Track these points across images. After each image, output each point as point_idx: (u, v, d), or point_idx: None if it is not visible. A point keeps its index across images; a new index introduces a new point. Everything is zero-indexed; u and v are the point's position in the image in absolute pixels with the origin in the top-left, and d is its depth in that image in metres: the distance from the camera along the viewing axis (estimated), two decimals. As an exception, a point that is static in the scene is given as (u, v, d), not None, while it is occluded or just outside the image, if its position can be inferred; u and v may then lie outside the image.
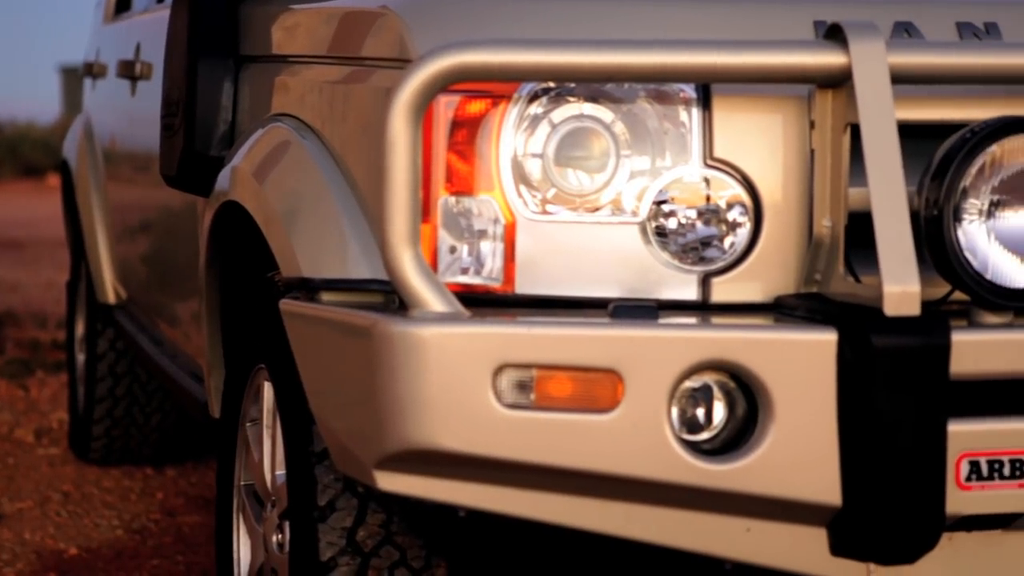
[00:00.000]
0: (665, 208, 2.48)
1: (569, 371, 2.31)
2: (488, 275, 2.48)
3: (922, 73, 2.42)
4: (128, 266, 4.62)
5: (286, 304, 2.61)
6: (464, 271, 2.48)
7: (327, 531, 2.57)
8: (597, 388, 2.31)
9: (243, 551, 3.03)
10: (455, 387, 2.29)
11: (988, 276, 2.34)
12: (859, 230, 2.40)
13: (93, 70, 5.20)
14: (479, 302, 2.43)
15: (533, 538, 2.57)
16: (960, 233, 2.34)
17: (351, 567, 2.57)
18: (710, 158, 2.48)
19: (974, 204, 2.35)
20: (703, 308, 2.48)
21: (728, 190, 2.49)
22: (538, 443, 2.32)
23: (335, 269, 2.56)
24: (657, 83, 2.45)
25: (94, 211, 4.90)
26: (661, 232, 2.48)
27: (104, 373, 4.86)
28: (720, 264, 2.49)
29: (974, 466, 2.32)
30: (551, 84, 2.45)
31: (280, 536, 2.81)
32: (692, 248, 2.49)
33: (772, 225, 2.49)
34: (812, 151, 2.47)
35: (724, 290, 2.48)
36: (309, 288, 2.56)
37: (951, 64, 2.42)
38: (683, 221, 2.49)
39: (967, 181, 2.34)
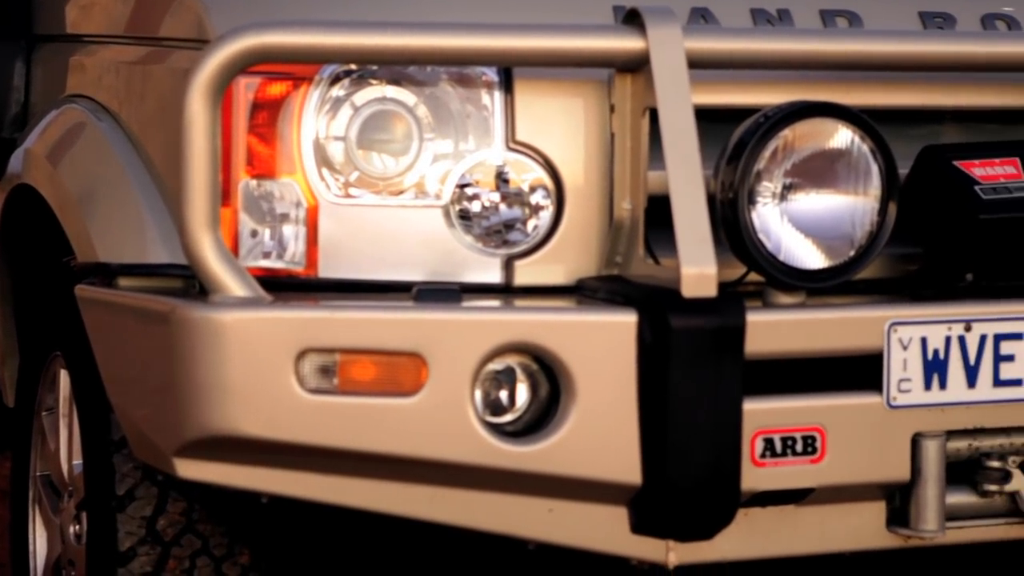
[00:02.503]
0: (468, 191, 2.53)
1: (372, 355, 2.34)
2: (291, 259, 2.50)
3: (718, 58, 2.49)
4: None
5: (82, 290, 2.59)
6: (266, 255, 2.49)
7: (126, 521, 2.56)
8: (401, 372, 2.34)
9: (39, 543, 3.00)
10: (256, 372, 2.30)
11: (781, 257, 2.43)
12: (658, 213, 2.47)
13: None
14: (282, 286, 2.44)
15: (338, 523, 2.60)
16: (754, 216, 2.43)
17: (151, 557, 2.57)
18: (512, 141, 2.53)
19: (768, 187, 2.44)
20: (506, 291, 2.52)
21: (530, 173, 2.54)
22: (342, 428, 2.34)
23: (133, 254, 2.55)
24: (459, 66, 2.49)
25: None
26: (464, 215, 2.53)
27: None
28: (523, 247, 2.54)
29: (768, 443, 2.41)
30: (353, 66, 2.47)
31: (78, 527, 2.79)
32: (495, 231, 2.54)
33: (574, 208, 2.55)
34: (612, 135, 2.54)
35: (527, 273, 2.54)
36: (106, 273, 2.55)
37: (745, 50, 2.50)
38: (486, 204, 2.54)
39: (761, 165, 2.42)
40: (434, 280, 2.50)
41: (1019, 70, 2.66)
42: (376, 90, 2.49)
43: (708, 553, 2.46)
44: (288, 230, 2.49)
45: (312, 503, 2.41)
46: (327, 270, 2.49)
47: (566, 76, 2.54)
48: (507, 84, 2.52)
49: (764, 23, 2.63)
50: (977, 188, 2.54)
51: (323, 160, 2.48)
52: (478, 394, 2.37)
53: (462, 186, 2.52)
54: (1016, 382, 2.50)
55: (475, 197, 2.53)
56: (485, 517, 2.44)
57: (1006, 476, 2.52)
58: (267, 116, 2.46)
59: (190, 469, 2.39)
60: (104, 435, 2.63)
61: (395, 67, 2.48)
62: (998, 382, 2.50)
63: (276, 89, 2.46)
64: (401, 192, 2.51)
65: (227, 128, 2.44)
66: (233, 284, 2.33)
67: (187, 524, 2.59)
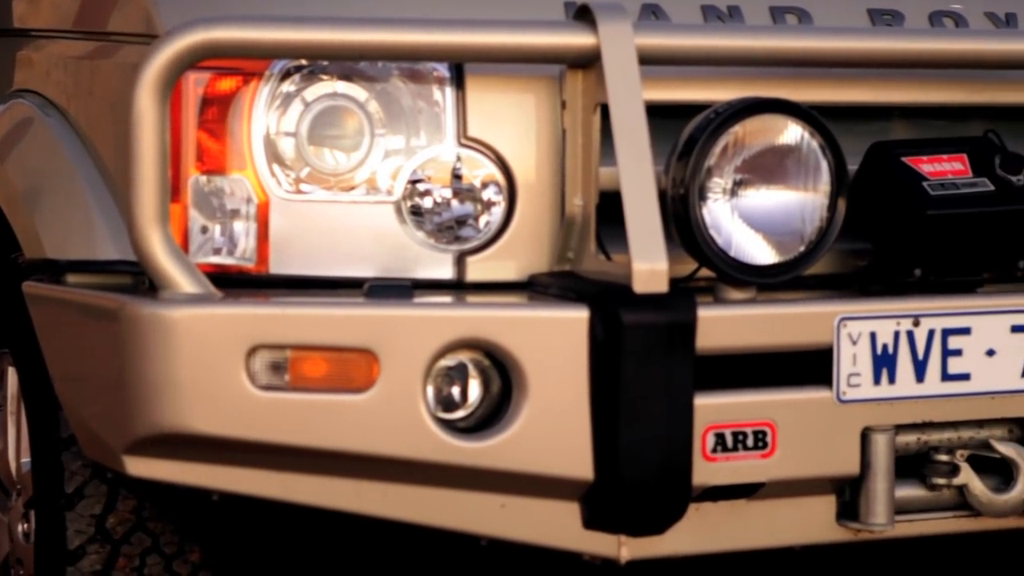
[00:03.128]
0: (420, 187, 2.52)
1: (324, 351, 2.32)
2: (241, 255, 2.48)
3: (668, 54, 2.49)
4: None
5: (30, 287, 2.57)
6: (216, 251, 2.47)
7: (75, 519, 2.54)
8: (352, 368, 2.33)
9: (-12, 542, 2.97)
10: (207, 369, 2.28)
11: (732, 253, 2.43)
12: (610, 209, 2.47)
13: None
14: (232, 283, 2.42)
15: (290, 520, 2.59)
16: (705, 212, 2.43)
17: (101, 555, 2.55)
18: (464, 137, 2.52)
19: (718, 183, 2.44)
20: (458, 287, 2.52)
21: (482, 169, 2.54)
22: (293, 424, 2.32)
23: (81, 250, 2.53)
24: (410, 62, 2.48)
25: None
26: (416, 211, 2.52)
27: None
28: (475, 243, 2.53)
29: (719, 438, 2.41)
30: (303, 62, 2.46)
31: (26, 526, 2.77)
32: (447, 227, 2.53)
33: (525, 204, 2.54)
34: (564, 131, 2.53)
35: (479, 269, 2.53)
36: (54, 270, 2.52)
37: (696, 46, 2.50)
38: (438, 200, 2.53)
39: (711, 161, 2.43)
40: (386, 276, 2.49)
41: (966, 66, 2.67)
42: (327, 86, 2.47)
43: (660, 548, 2.47)
44: (238, 226, 2.47)
45: (263, 500, 2.40)
46: (278, 266, 2.48)
47: (518, 72, 2.53)
48: (459, 80, 2.51)
49: (715, 20, 2.63)
50: (925, 184, 2.55)
51: (274, 156, 2.47)
52: (430, 390, 2.36)
53: (414, 182, 2.51)
54: (963, 376, 2.52)
55: (427, 193, 2.52)
56: (437, 513, 2.43)
57: (954, 470, 2.53)
58: (217, 112, 2.45)
59: (140, 467, 2.37)
60: (53, 433, 2.60)
61: (346, 63, 2.47)
62: (946, 376, 2.51)
63: (226, 85, 2.45)
64: (352, 188, 2.50)
65: (176, 124, 2.43)
66: (183, 281, 2.31)
67: (137, 522, 2.57)
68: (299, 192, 2.48)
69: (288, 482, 2.39)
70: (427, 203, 2.52)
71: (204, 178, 2.46)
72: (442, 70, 2.51)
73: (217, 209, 2.47)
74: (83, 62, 2.73)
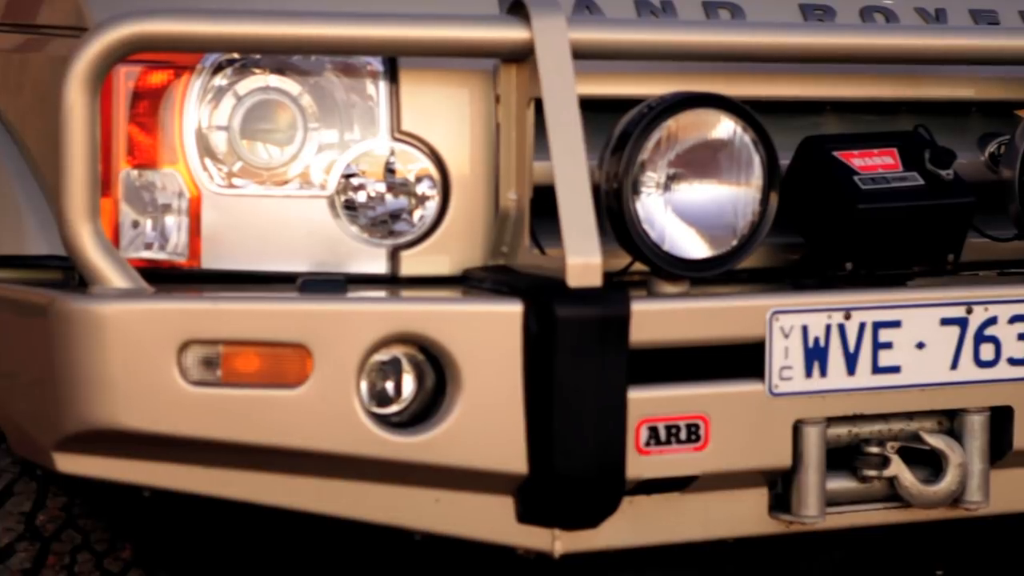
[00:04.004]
0: (354, 182, 2.49)
1: (256, 346, 2.30)
2: (173, 250, 2.45)
3: (602, 49, 2.48)
4: None
5: (-42, 282, 2.53)
6: (148, 246, 2.44)
7: (4, 517, 2.50)
8: (285, 363, 2.30)
9: (-83, 540, 2.92)
10: (138, 365, 2.25)
11: (665, 247, 2.42)
12: (544, 203, 2.45)
13: None
14: (164, 278, 2.39)
15: (222, 516, 2.56)
16: (639, 206, 2.42)
17: (30, 553, 2.51)
18: (398, 131, 2.50)
19: (652, 177, 2.43)
20: (392, 282, 2.50)
21: (416, 163, 2.51)
22: (226, 420, 2.30)
23: (10, 245, 2.49)
24: (343, 55, 2.46)
25: None
26: (350, 206, 2.50)
27: None
28: (409, 237, 2.51)
29: (653, 432, 2.40)
30: (236, 55, 2.43)
31: (-44, 523, 2.72)
32: (381, 222, 2.51)
33: (460, 198, 2.53)
34: (498, 125, 2.52)
35: (413, 263, 2.51)
36: (-17, 265, 2.49)
37: (629, 40, 2.49)
38: (372, 195, 2.50)
39: (645, 155, 2.41)
40: (319, 271, 2.46)
41: (896, 62, 2.68)
42: (259, 79, 2.45)
43: (594, 541, 2.46)
44: (170, 221, 2.44)
45: (196, 496, 2.37)
46: (210, 261, 2.45)
47: (452, 66, 2.51)
48: (392, 74, 2.49)
49: (648, 15, 2.62)
50: (856, 179, 2.56)
51: (206, 150, 2.44)
52: (364, 385, 2.34)
53: (347, 176, 2.49)
54: (894, 369, 2.52)
55: (360, 187, 2.50)
56: (371, 508, 2.41)
57: (884, 462, 2.54)
58: (148, 105, 2.41)
59: (70, 463, 2.33)
60: (-18, 429, 2.56)
61: (279, 56, 2.44)
62: (877, 369, 2.51)
63: (157, 78, 2.41)
64: (285, 182, 2.47)
65: (107, 118, 2.39)
66: (114, 276, 2.28)
67: (67, 519, 2.53)
68: (231, 186, 2.45)
69: (220, 478, 2.36)
70: (361, 197, 2.50)
71: (135, 172, 2.43)
72: (375, 64, 2.48)
73: (148, 204, 2.44)
74: (12, 55, 2.68)
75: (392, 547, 2.65)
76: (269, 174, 2.46)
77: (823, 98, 2.72)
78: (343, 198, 2.49)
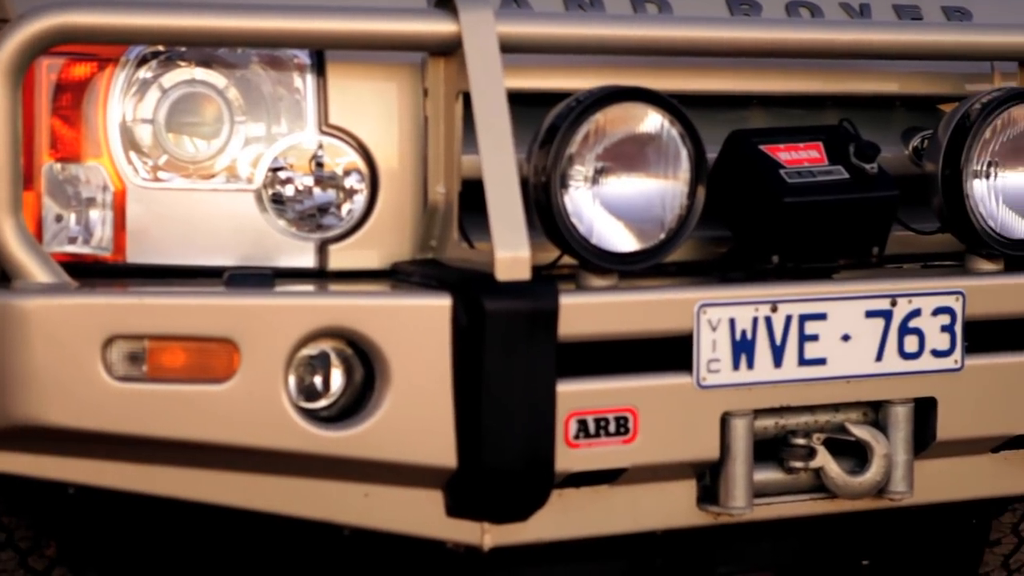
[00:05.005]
0: (281, 175, 2.46)
1: (182, 341, 2.26)
2: (98, 244, 2.41)
3: (530, 42, 2.46)
4: None
5: None
6: (72, 240, 2.40)
7: (-73, 515, 2.45)
8: (212, 358, 2.27)
9: None
10: (62, 360, 2.20)
11: (593, 240, 2.40)
12: (473, 197, 2.43)
13: None
14: (88, 272, 2.35)
15: (150, 513, 2.52)
16: (567, 199, 2.40)
17: (-48, 551, 2.46)
18: (326, 125, 2.47)
19: (580, 171, 2.41)
20: (320, 276, 2.46)
21: (344, 157, 2.48)
22: (152, 416, 2.26)
23: (-69, 239, 2.43)
24: (270, 48, 2.42)
25: None
26: (277, 199, 2.46)
27: None
28: (337, 231, 2.48)
29: (582, 425, 2.38)
30: (161, 48, 2.39)
31: None
32: (309, 215, 2.48)
33: (388, 192, 2.50)
34: (426, 118, 2.49)
35: (341, 257, 2.48)
36: (-96, 260, 2.42)
37: (557, 34, 2.47)
38: (299, 188, 2.47)
39: (573, 149, 2.39)
40: (247, 265, 2.43)
41: (822, 56, 2.67)
42: (185, 72, 2.40)
43: (523, 534, 2.44)
44: (94, 215, 2.39)
45: (122, 493, 2.33)
46: (136, 255, 2.40)
47: (379, 59, 2.48)
48: (319, 67, 2.45)
49: (576, 8, 2.60)
50: (782, 172, 2.55)
51: (130, 143, 2.39)
52: (292, 380, 2.31)
53: (275, 170, 2.45)
54: (820, 361, 2.52)
55: (288, 181, 2.46)
56: (300, 503, 2.38)
57: (811, 453, 2.54)
58: (71, 98, 2.36)
59: (-7, 460, 2.28)
60: (-96, 426, 2.49)
61: (204, 49, 2.39)
62: (803, 361, 2.51)
63: (80, 70, 2.36)
64: (212, 176, 2.43)
65: (29, 110, 2.34)
66: (37, 270, 2.23)
67: (-10, 517, 2.48)
68: (157, 180, 2.41)
69: (147, 474, 2.32)
70: (288, 191, 2.46)
71: (58, 166, 2.38)
72: (302, 57, 2.45)
73: (72, 197, 2.39)
74: (-66, 47, 2.61)
75: (323, 543, 2.62)
76: (195, 168, 2.42)
77: (750, 92, 2.71)
78: (270, 192, 2.45)
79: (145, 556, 2.68)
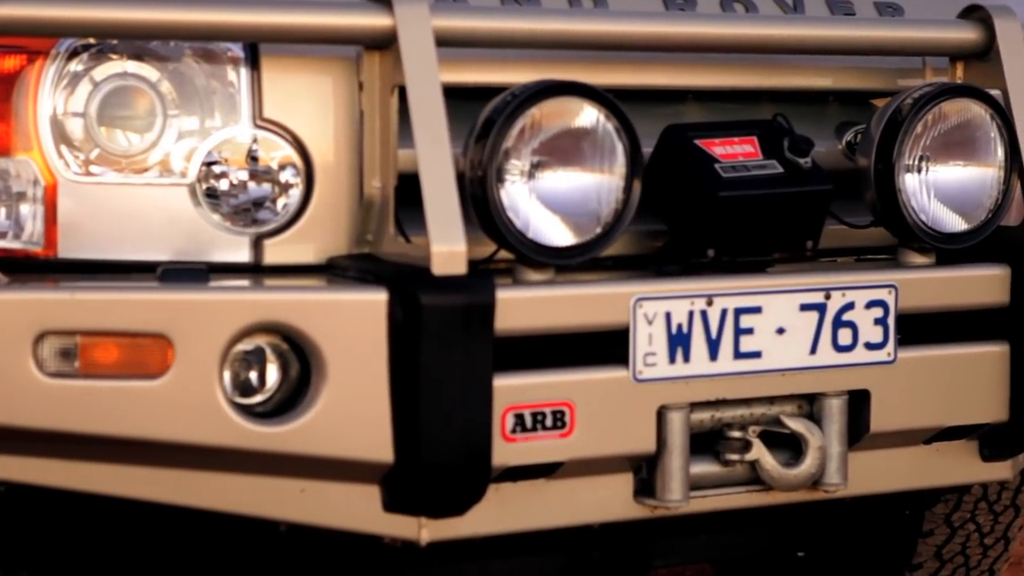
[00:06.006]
0: (215, 169, 2.42)
1: (115, 337, 2.22)
2: (28, 239, 2.36)
3: (465, 36, 2.43)
4: None
5: None
6: (2, 235, 2.35)
7: None
8: (146, 354, 2.23)
9: None
10: (-8, 357, 2.17)
11: (530, 235, 2.38)
12: (409, 191, 2.40)
13: None
14: (19, 267, 2.31)
15: (84, 511, 2.48)
16: (503, 194, 2.37)
17: None
18: (260, 119, 2.43)
19: (516, 165, 2.39)
20: (256, 270, 2.43)
21: (279, 151, 2.45)
22: (84, 412, 2.22)
23: None
24: (203, 41, 2.38)
25: None
26: (211, 194, 2.42)
27: None
28: (272, 226, 2.45)
29: (519, 419, 2.36)
30: (91, 40, 2.34)
31: None
32: (244, 210, 2.44)
33: (324, 186, 2.47)
34: (362, 112, 2.46)
35: (277, 252, 2.44)
36: None
37: (493, 28, 2.45)
38: (234, 182, 2.43)
39: (509, 143, 2.37)
40: (181, 260, 2.39)
41: (756, 51, 2.67)
42: (117, 65, 2.36)
43: (460, 529, 2.42)
44: (25, 209, 2.35)
45: (54, 490, 2.29)
46: (67, 250, 2.36)
47: (314, 53, 2.44)
48: (254, 60, 2.42)
49: (512, 3, 2.58)
50: (717, 166, 2.54)
51: (61, 137, 2.35)
52: (227, 375, 2.28)
53: (208, 164, 2.41)
54: (755, 354, 2.51)
55: (222, 175, 2.42)
56: (235, 500, 2.34)
57: (746, 446, 2.53)
58: (1, 91, 2.32)
59: (-80, 458, 2.24)
60: None
61: (136, 42, 2.35)
62: (738, 355, 2.50)
63: (9, 63, 2.32)
64: (145, 170, 2.39)
65: (-43, 103, 2.30)
66: (-34, 265, 2.19)
67: (-83, 516, 2.43)
68: (89, 174, 2.36)
69: (79, 471, 2.28)
70: (223, 185, 2.42)
71: (-12, 160, 2.33)
72: (236, 50, 2.41)
73: (2, 192, 2.35)
74: None
75: (259, 540, 2.59)
76: (128, 162, 2.38)
77: (685, 87, 2.70)
78: (204, 186, 2.41)
79: (80, 555, 2.63)
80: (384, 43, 2.39)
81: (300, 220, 2.46)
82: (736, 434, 2.53)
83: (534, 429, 2.37)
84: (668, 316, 2.45)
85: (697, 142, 2.56)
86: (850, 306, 2.55)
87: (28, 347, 2.17)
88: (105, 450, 2.28)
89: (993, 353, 2.66)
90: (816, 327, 2.54)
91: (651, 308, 2.44)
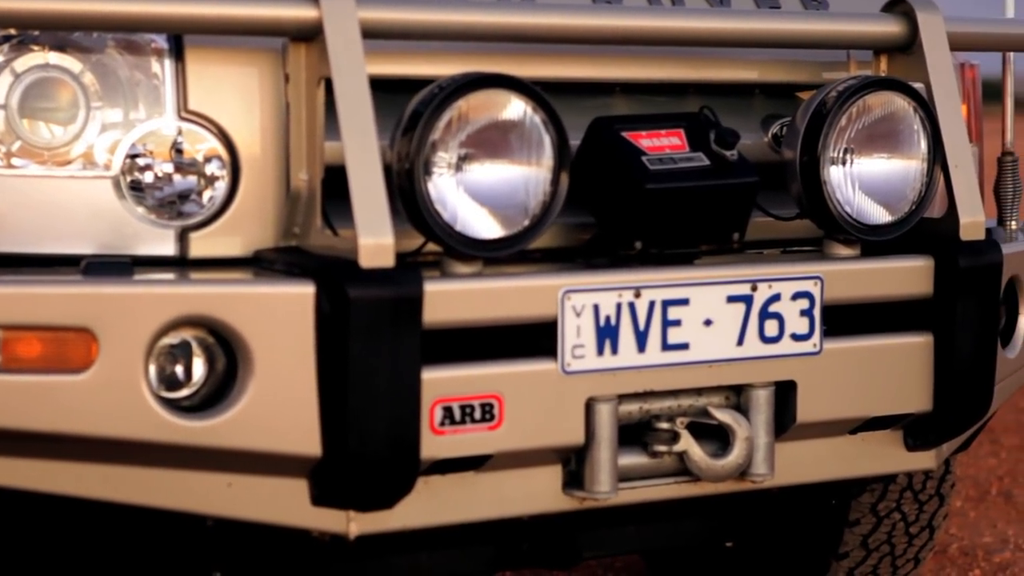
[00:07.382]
0: (140, 162, 2.39)
1: (38, 331, 2.19)
2: (-51, 233, 2.32)
3: (392, 28, 2.41)
4: None
5: None
6: (-78, 229, 2.31)
7: None
8: (69, 348, 2.20)
9: None
10: (-89, 352, 2.13)
11: (457, 227, 2.37)
12: (336, 183, 2.38)
13: None
14: (-60, 261, 2.28)
15: (4, 506, 2.44)
16: (430, 186, 2.36)
17: None
18: (185, 111, 2.40)
19: (443, 158, 2.38)
20: (181, 264, 2.40)
21: (204, 143, 2.42)
22: (6, 407, 2.18)
23: None
24: (126, 32, 2.35)
25: None
26: (136, 186, 2.39)
27: None
28: (198, 218, 2.42)
29: (447, 411, 2.35)
30: (12, 32, 2.30)
31: None
32: (169, 202, 2.41)
33: (250, 179, 2.44)
34: (288, 104, 2.44)
35: (203, 245, 2.42)
36: None
37: (420, 20, 2.43)
38: (159, 175, 2.40)
39: (436, 135, 2.36)
40: (105, 253, 2.35)
41: (682, 44, 2.66)
42: (38, 56, 2.32)
43: (389, 522, 2.40)
44: (-55, 202, 2.30)
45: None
46: (-11, 244, 2.32)
47: (239, 45, 2.42)
48: (178, 52, 2.39)
49: (444, -5, 2.56)
50: (644, 159, 2.54)
51: (-18, 129, 2.31)
52: (152, 369, 2.25)
53: (133, 156, 2.38)
54: (682, 346, 2.51)
55: (147, 168, 2.39)
56: (161, 494, 2.31)
57: (674, 437, 2.53)
58: (-81, 83, 2.27)
59: None
60: None
61: (59, 33, 2.31)
62: (666, 346, 2.50)
63: (-72, 54, 2.27)
64: (68, 162, 2.35)
65: None
66: None
67: None
68: (10, 167, 2.32)
69: (2, 467, 2.24)
70: (147, 178, 2.39)
71: (-93, 152, 2.29)
72: (160, 42, 2.38)
73: (-79, 185, 2.30)
74: None
75: (186, 534, 2.55)
76: (50, 154, 2.35)
77: (612, 79, 2.69)
78: (128, 179, 2.38)
79: (7, 552, 2.59)
80: (310, 35, 2.37)
81: (226, 213, 2.43)
82: (664, 425, 2.53)
83: (463, 422, 2.36)
84: (596, 308, 2.44)
85: (624, 134, 2.55)
86: (776, 298, 2.56)
87: (-52, 342, 2.14)
88: (28, 445, 2.24)
89: (917, 344, 2.68)
90: (743, 319, 2.54)
91: (579, 300, 2.43)
